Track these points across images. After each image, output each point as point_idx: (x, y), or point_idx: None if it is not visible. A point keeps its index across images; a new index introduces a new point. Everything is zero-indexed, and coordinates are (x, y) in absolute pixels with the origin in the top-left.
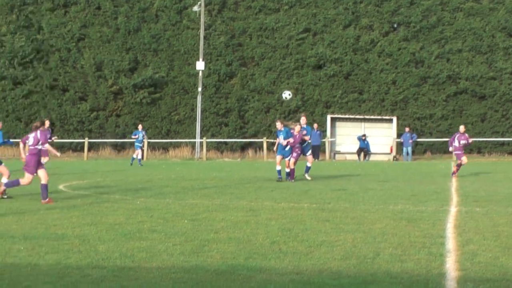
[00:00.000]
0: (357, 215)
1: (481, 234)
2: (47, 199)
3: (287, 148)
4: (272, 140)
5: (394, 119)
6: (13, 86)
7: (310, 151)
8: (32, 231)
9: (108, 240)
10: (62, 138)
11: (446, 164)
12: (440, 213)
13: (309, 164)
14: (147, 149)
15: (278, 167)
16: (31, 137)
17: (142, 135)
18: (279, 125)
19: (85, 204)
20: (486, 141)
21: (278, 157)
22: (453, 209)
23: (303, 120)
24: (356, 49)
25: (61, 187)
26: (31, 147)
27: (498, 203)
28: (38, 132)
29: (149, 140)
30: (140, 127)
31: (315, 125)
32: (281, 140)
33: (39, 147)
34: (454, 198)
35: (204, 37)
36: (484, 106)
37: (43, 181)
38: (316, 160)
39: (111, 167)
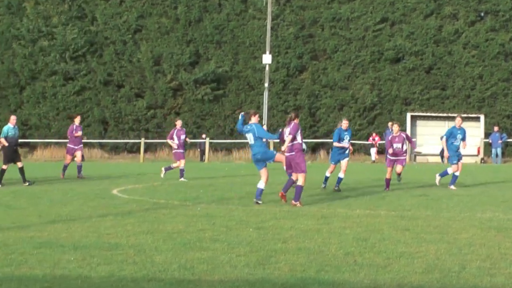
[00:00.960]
0: (440, 224)
1: None
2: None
3: (346, 152)
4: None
5: (482, 117)
6: (64, 81)
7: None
8: (83, 240)
9: (166, 250)
10: (116, 138)
11: None
12: None
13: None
14: (209, 151)
15: (328, 174)
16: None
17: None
18: (345, 123)
19: (141, 211)
20: None
21: (332, 166)
22: None
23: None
24: (438, 40)
25: (115, 191)
26: None
27: None
28: None
29: (211, 141)
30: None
31: (390, 124)
32: (339, 143)
33: None
34: None
35: (272, 28)
36: None
37: None
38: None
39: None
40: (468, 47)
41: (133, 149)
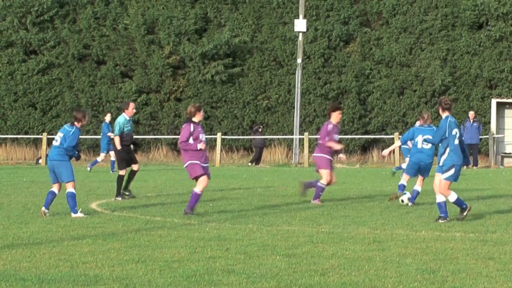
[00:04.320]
0: None
1: None
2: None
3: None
4: None
5: None
6: (24, 56)
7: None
8: (51, 271)
9: (163, 286)
10: (95, 133)
11: None
12: None
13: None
14: (220, 151)
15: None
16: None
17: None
18: (426, 116)
19: (129, 231)
20: None
21: (407, 177)
22: None
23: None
24: None
25: (94, 205)
26: None
27: None
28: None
29: (224, 137)
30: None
31: (472, 114)
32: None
33: None
34: None
35: None
36: None
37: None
38: (474, 167)
39: (168, 176)
40: None
41: None
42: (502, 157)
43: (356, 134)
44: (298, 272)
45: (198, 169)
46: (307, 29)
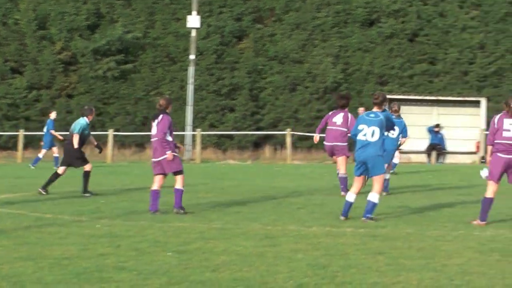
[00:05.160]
0: (425, 246)
1: None
2: None
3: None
4: (303, 133)
5: (483, 101)
6: None
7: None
8: None
9: (53, 283)
10: None
11: None
12: None
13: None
14: (113, 147)
15: (387, 175)
16: None
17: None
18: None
19: (18, 229)
20: None
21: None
22: None
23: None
24: None
25: None
26: None
27: None
28: None
29: (116, 133)
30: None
31: (361, 110)
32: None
33: None
34: None
35: None
36: None
37: None
38: None
39: None
40: (466, 6)
41: (8, 145)
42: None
43: (248, 130)
44: (190, 269)
45: (180, 162)
46: (200, 25)
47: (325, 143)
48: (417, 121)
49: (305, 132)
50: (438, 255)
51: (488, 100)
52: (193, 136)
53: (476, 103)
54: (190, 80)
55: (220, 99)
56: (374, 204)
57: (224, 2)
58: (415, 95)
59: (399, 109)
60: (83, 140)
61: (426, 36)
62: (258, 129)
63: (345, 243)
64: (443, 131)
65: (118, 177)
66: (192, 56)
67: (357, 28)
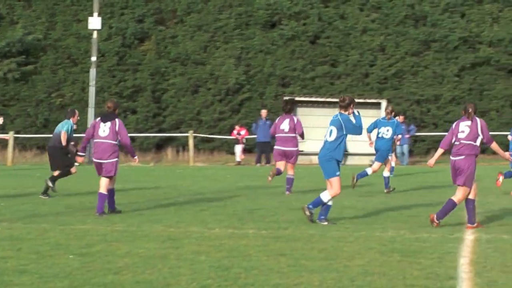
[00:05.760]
0: (327, 246)
1: (510, 273)
2: None
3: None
4: (206, 135)
5: (383, 103)
6: None
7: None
8: None
9: None
10: None
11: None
12: (450, 243)
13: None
14: (13, 150)
15: (386, 173)
16: None
17: None
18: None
19: None
20: None
21: (377, 164)
22: (469, 237)
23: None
24: None
25: None
26: None
27: None
28: None
29: (17, 136)
30: None
31: (264, 112)
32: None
33: None
34: None
35: None
36: None
37: None
38: (267, 164)
39: None
40: (366, 8)
41: None
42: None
43: (150, 132)
44: (92, 271)
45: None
46: (102, 27)
47: (276, 147)
48: (319, 123)
49: (207, 134)
50: (340, 256)
51: (389, 101)
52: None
53: (377, 105)
54: (92, 82)
55: (122, 101)
56: (320, 201)
57: (125, 4)
58: (317, 97)
59: (392, 111)
60: (68, 141)
61: (328, 39)
62: (160, 131)
63: (247, 245)
64: None
65: (19, 180)
66: (93, 58)
67: (258, 30)
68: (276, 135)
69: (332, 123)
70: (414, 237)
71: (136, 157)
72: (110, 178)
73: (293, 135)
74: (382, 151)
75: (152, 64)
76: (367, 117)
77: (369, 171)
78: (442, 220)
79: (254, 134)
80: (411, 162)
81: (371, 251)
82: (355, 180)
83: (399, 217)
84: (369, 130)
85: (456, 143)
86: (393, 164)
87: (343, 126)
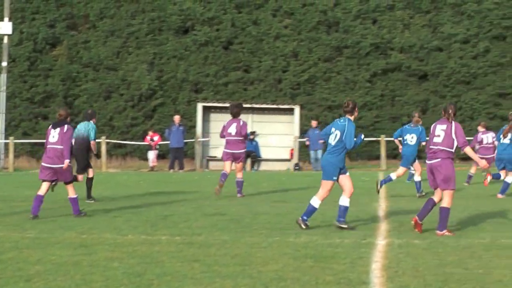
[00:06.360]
0: (240, 252)
1: (421, 278)
2: None
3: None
4: (118, 141)
5: (297, 109)
6: None
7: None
8: None
9: None
10: None
11: (372, 175)
12: (363, 248)
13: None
14: None
15: (418, 178)
16: None
17: None
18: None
19: None
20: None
21: (402, 169)
22: (381, 242)
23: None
24: (240, 4)
25: None
26: None
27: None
28: None
29: None
30: None
31: (177, 118)
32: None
33: None
34: (383, 226)
35: None
36: (426, 90)
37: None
38: (180, 170)
39: None
40: (279, 14)
41: None
42: (208, 160)
43: None
44: (3, 279)
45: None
46: (13, 32)
47: (225, 150)
48: None
49: (120, 140)
50: (254, 262)
51: (302, 107)
52: (6, 144)
53: (290, 111)
54: (2, 87)
55: (34, 106)
56: (346, 208)
57: (37, 9)
58: (230, 102)
59: (419, 117)
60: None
61: (241, 44)
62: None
63: (160, 251)
64: (257, 139)
65: None
66: (4, 63)
67: (171, 35)
68: (225, 138)
69: (337, 127)
70: (327, 243)
71: (67, 161)
72: (68, 183)
73: (240, 138)
74: (408, 157)
75: (64, 69)
76: (280, 123)
77: (394, 176)
78: (445, 229)
79: (167, 140)
80: None
81: (285, 256)
82: (379, 185)
83: (312, 223)
84: (396, 136)
85: (431, 147)
86: (412, 170)
87: (345, 132)
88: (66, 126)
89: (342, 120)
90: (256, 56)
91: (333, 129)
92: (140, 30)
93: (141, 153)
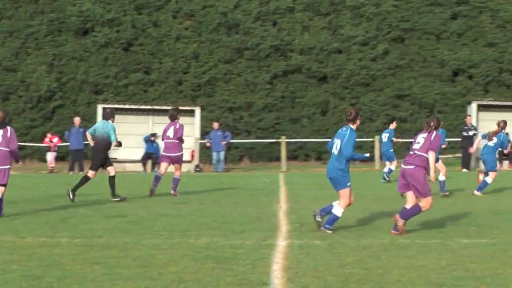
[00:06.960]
0: (141, 254)
1: (322, 279)
2: None
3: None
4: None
5: (197, 110)
6: None
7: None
8: None
9: None
10: None
11: (272, 176)
12: (263, 249)
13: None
14: None
15: (442, 177)
16: None
17: None
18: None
19: None
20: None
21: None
22: (282, 243)
23: None
24: (140, 6)
25: None
26: None
27: (346, 232)
28: None
29: None
30: None
31: (77, 120)
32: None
33: None
34: (283, 227)
35: None
36: (325, 92)
37: None
38: (80, 172)
39: None
40: (180, 16)
41: None
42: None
43: None
44: None
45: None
46: None
47: (163, 153)
48: (133, 130)
49: (19, 142)
50: (155, 264)
51: (202, 109)
52: None
53: (191, 112)
54: None
55: None
56: (336, 217)
57: None
58: (130, 104)
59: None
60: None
61: (141, 46)
62: None
63: (60, 254)
64: (158, 140)
65: None
66: None
67: (71, 36)
68: (163, 141)
69: (339, 136)
70: (227, 244)
71: (20, 163)
72: (3, 185)
73: (176, 141)
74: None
75: None
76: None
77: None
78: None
79: (67, 142)
80: (226, 169)
81: (185, 258)
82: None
83: (212, 224)
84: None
85: (410, 152)
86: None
87: (344, 139)
88: (8, 128)
89: (344, 129)
90: (156, 57)
91: (335, 139)
92: (39, 31)
93: (40, 154)
